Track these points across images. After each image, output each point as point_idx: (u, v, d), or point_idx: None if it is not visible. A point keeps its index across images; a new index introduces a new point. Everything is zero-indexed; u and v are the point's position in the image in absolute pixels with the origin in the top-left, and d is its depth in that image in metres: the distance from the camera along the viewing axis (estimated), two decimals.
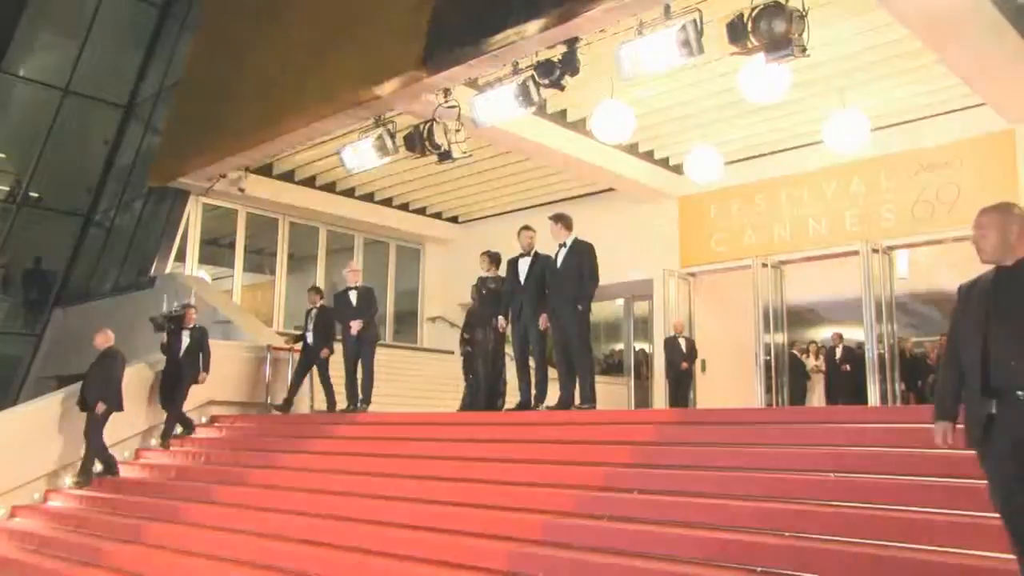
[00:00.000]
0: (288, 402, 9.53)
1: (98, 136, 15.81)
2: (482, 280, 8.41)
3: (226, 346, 9.77)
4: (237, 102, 10.75)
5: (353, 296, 9.10)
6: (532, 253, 7.67)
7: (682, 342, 11.40)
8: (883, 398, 9.70)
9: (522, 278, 7.63)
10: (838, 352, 12.43)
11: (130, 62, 15.75)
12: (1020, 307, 3.01)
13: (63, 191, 15.56)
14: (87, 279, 14.70)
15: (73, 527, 7.22)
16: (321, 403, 9.81)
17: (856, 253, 10.31)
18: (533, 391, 7.71)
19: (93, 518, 7.24)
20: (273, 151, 11.03)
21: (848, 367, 12.02)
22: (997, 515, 3.04)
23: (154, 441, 9.00)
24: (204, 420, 9.36)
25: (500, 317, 7.92)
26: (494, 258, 8.42)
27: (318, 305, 9.61)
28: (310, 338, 9.43)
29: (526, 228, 7.82)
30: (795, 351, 12.19)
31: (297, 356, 9.80)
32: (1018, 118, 9.31)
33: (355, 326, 8.92)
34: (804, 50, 6.46)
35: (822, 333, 13.51)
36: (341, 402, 9.20)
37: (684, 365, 11.29)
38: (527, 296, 7.58)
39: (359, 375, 9.02)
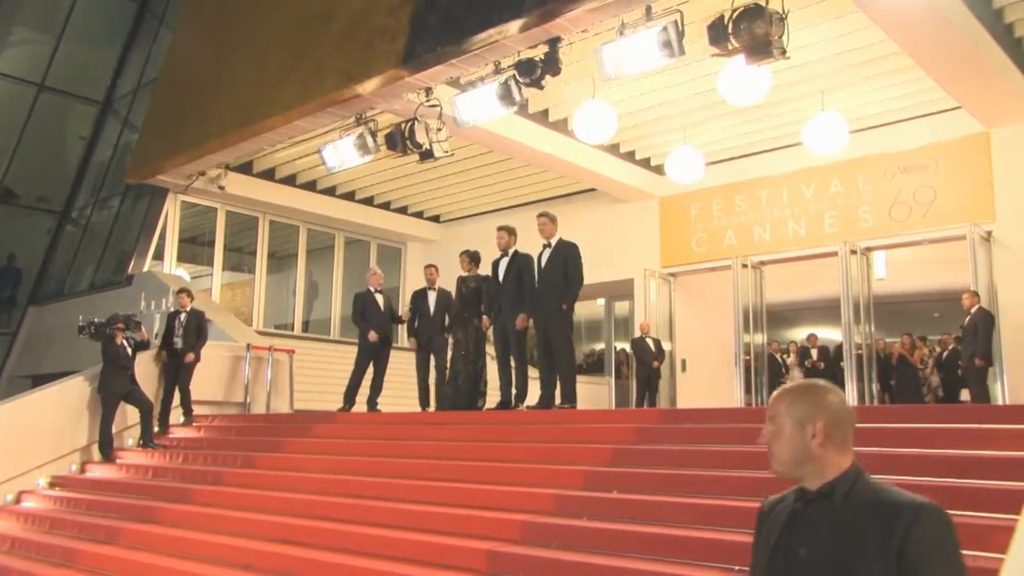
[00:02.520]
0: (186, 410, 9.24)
1: (74, 132, 15.61)
2: (462, 279, 8.40)
3: (205, 345, 9.63)
4: (216, 99, 10.65)
5: (380, 299, 9.01)
6: (511, 253, 7.67)
7: (650, 342, 11.46)
8: (860, 398, 9.79)
9: (501, 277, 7.64)
10: (814, 354, 12.53)
11: (107, 58, 15.55)
12: (828, 567, 1.72)
13: (38, 187, 15.33)
14: (63, 277, 14.51)
15: (47, 528, 7.13)
16: (303, 403, 9.75)
17: (834, 254, 10.41)
18: (514, 390, 7.72)
19: (67, 519, 7.14)
20: (253, 149, 10.95)
21: (823, 364, 12.13)
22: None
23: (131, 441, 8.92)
24: (181, 420, 9.28)
25: (484, 316, 7.92)
26: (474, 257, 8.41)
27: (188, 308, 9.20)
28: (179, 343, 9.05)
29: (500, 228, 7.79)
30: (772, 351, 12.27)
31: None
32: (993, 121, 9.45)
33: (373, 333, 8.74)
34: (784, 52, 6.52)
35: (801, 334, 13.62)
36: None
37: (656, 364, 11.36)
38: (506, 296, 7.58)
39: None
